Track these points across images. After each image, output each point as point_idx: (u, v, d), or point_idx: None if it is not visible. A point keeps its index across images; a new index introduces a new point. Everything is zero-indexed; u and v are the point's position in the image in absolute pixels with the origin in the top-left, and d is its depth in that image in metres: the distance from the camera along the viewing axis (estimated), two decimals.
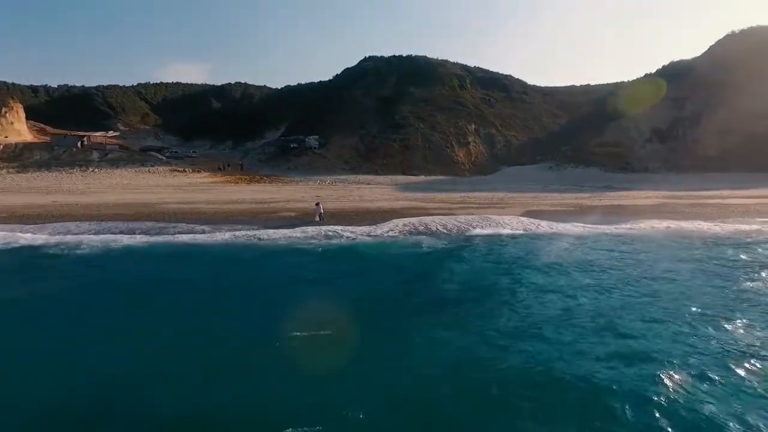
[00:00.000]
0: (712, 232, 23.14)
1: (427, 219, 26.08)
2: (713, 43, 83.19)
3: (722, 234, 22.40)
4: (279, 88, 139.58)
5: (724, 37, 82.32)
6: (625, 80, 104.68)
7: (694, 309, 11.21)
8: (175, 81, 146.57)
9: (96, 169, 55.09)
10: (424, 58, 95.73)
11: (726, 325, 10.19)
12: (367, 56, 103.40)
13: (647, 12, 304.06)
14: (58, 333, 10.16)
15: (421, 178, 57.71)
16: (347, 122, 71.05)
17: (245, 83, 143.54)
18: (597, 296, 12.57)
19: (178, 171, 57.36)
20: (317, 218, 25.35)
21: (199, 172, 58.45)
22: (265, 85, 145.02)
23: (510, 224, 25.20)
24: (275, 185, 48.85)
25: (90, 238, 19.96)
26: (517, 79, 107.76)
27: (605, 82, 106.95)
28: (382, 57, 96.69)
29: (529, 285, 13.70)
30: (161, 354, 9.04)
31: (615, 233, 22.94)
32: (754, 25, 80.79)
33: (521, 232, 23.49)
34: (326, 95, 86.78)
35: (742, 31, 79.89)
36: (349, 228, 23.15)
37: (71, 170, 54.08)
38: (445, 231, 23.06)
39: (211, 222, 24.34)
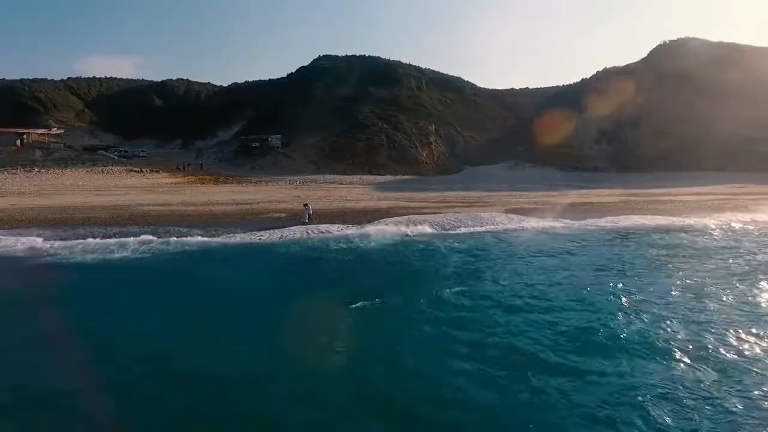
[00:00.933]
0: (684, 224, 25.84)
1: (419, 218, 26.89)
2: (647, 51, 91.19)
3: (698, 227, 25.15)
4: (226, 85, 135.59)
5: (657, 46, 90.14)
6: (564, 84, 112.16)
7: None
8: (109, 76, 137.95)
9: (42, 170, 50.90)
10: (378, 58, 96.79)
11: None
12: (322, 55, 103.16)
13: (585, 19, 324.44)
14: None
15: (389, 177, 58.46)
16: (309, 122, 70.48)
17: (187, 80, 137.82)
18: (635, 286, 13.90)
19: (135, 171, 54.30)
20: (306, 219, 25.22)
21: (157, 172, 55.67)
22: (209, 82, 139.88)
23: (502, 222, 26.53)
24: (246, 186, 47.65)
25: (104, 244, 18.91)
26: (467, 81, 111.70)
27: (545, 86, 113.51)
28: (339, 56, 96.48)
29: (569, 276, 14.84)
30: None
31: (601, 228, 24.98)
32: (683, 36, 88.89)
33: (515, 227, 24.89)
34: (283, 94, 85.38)
35: (672, 42, 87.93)
36: (350, 228, 23.39)
37: (14, 170, 49.64)
38: (443, 230, 23.88)
39: (205, 225, 23.61)
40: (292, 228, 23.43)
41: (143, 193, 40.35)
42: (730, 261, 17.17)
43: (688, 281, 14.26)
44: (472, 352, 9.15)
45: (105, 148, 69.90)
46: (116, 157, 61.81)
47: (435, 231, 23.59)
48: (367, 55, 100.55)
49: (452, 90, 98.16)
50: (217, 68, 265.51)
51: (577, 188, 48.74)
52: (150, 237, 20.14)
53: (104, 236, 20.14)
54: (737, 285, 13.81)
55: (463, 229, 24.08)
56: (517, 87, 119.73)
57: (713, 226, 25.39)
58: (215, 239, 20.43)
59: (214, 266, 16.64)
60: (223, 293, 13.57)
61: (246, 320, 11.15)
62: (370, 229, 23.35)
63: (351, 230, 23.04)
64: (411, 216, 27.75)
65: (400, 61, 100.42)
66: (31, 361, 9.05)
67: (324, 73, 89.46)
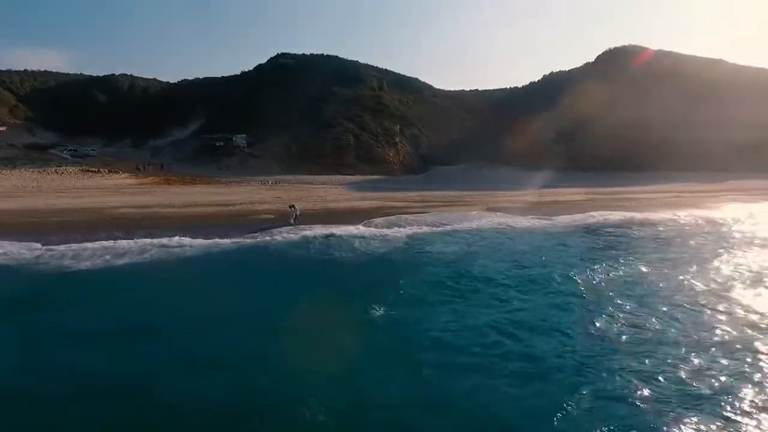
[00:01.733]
0: (652, 219, 28.05)
1: (410, 218, 27.41)
2: (593, 56, 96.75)
3: (664, 220, 27.40)
4: (175, 82, 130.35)
5: (603, 52, 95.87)
6: (513, 86, 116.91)
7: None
8: (43, 69, 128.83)
9: None
10: (339, 58, 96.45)
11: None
12: (280, 53, 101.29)
13: (534, 24, 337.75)
14: None
15: (359, 177, 58.64)
16: (274, 121, 69.29)
17: (131, 75, 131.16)
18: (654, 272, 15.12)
19: (92, 171, 51.21)
20: (293, 220, 24.98)
21: (116, 172, 52.78)
22: (155, 78, 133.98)
23: (491, 221, 27.43)
24: (218, 187, 46.29)
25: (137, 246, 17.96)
26: (424, 82, 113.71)
27: (495, 88, 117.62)
28: (299, 54, 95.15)
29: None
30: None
31: (584, 223, 26.60)
32: (627, 44, 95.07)
33: (506, 225, 25.88)
34: (244, 92, 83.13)
35: (617, 48, 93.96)
36: (344, 228, 23.36)
37: None
38: (439, 228, 24.44)
39: (194, 228, 22.45)
40: (287, 229, 23.10)
41: (110, 194, 38.30)
42: (694, 248, 19.61)
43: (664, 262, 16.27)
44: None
45: (51, 147, 65.35)
46: (69, 157, 57.99)
47: (431, 230, 24.09)
48: (325, 54, 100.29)
49: (411, 91, 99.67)
50: (159, 64, 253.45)
51: (543, 188, 50.96)
52: (148, 241, 19.36)
53: (93, 241, 18.98)
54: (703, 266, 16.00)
55: (457, 226, 24.78)
56: (467, 89, 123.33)
57: (679, 220, 27.68)
58: (213, 242, 19.83)
59: (232, 272, 16.41)
60: (257, 301, 13.29)
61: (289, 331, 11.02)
62: (368, 230, 23.54)
63: (350, 230, 22.97)
64: (400, 216, 28.22)
65: (358, 61, 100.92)
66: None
67: (286, 71, 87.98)
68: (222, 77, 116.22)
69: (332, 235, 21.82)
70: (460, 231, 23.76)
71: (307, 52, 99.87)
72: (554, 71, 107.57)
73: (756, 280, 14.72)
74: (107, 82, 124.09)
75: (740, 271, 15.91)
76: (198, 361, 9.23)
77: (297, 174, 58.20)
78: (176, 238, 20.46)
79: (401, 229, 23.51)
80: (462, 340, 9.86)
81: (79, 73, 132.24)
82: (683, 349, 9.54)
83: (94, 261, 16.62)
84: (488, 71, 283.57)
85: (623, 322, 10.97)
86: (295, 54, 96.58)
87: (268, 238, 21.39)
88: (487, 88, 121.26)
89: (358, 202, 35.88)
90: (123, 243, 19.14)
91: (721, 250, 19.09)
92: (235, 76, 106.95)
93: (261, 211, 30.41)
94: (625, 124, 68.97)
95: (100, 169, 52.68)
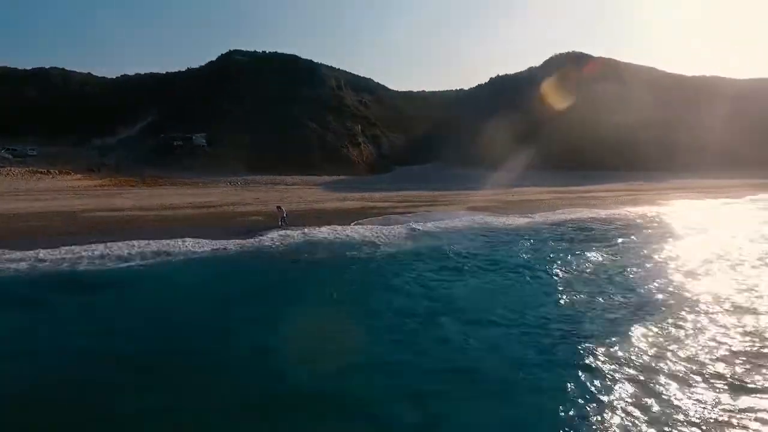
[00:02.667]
0: (617, 215, 30.50)
1: (400, 218, 28.07)
2: (537, 61, 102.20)
3: (633, 216, 29.87)
4: (115, 77, 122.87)
5: (550, 57, 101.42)
6: (459, 88, 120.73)
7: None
8: None
9: None
10: (295, 57, 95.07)
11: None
12: (233, 49, 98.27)
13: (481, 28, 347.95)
14: None
15: (327, 177, 58.59)
16: (233, 120, 67.53)
17: (63, 68, 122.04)
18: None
19: (41, 173, 47.72)
20: (280, 222, 24.41)
21: (68, 173, 49.54)
22: (89, 73, 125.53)
23: (478, 220, 28.48)
24: (190, 188, 44.82)
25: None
26: (378, 82, 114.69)
27: (442, 89, 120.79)
28: (252, 52, 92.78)
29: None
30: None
31: (561, 220, 28.39)
32: (574, 50, 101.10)
33: (494, 224, 26.99)
34: (199, 89, 79.88)
35: (563, 54, 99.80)
36: (340, 229, 23.49)
37: None
38: (435, 228, 25.01)
39: (183, 232, 21.26)
40: (289, 231, 22.73)
41: (75, 197, 36.09)
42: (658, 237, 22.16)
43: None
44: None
45: None
46: (11, 157, 53.54)
47: (426, 229, 24.40)
48: (279, 51, 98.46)
49: (367, 91, 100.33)
50: (90, 57, 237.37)
51: (510, 187, 53.30)
52: (143, 244, 18.45)
53: (83, 245, 18.02)
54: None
55: (450, 224, 25.56)
56: (414, 90, 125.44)
57: (641, 216, 30.24)
58: (218, 245, 19.22)
59: (249, 278, 16.06)
60: (299, 306, 12.93)
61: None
62: (371, 228, 23.81)
63: (346, 232, 22.83)
64: (389, 216, 28.84)
65: (312, 60, 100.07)
66: None
67: (241, 69, 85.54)
68: (168, 73, 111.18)
69: (337, 235, 21.91)
70: (461, 229, 24.55)
71: (258, 50, 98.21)
72: (500, 74, 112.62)
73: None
74: (37, 76, 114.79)
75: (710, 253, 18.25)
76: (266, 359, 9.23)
77: (262, 174, 57.24)
78: (180, 241, 19.80)
79: (398, 227, 23.97)
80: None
81: (4, 66, 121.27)
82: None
83: (102, 265, 15.83)
84: (433, 73, 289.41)
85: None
86: (247, 51, 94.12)
87: (271, 239, 20.96)
88: (434, 90, 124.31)
89: (340, 203, 36.05)
90: (118, 247, 17.95)
91: (684, 238, 21.66)
92: (184, 73, 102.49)
93: (248, 213, 29.86)
94: (577, 126, 73.44)
95: (50, 171, 49.16)
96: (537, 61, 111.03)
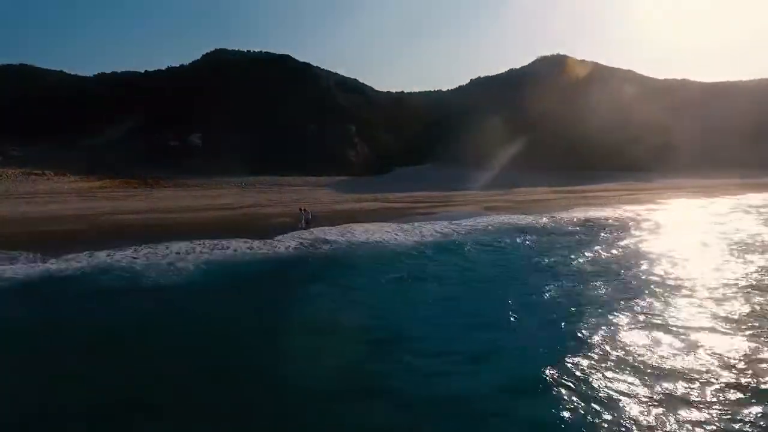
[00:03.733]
0: (629, 214, 31.56)
1: (427, 217, 28.56)
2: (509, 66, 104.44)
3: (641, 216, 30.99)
4: (91, 75, 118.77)
5: (535, 60, 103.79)
6: (438, 89, 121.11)
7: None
8: None
9: None
10: (288, 57, 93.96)
11: None
12: (218, 48, 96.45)
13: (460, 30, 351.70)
14: None
15: (327, 178, 58.48)
16: (229, 120, 66.50)
17: (32, 65, 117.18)
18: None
19: (36, 174, 46.10)
20: (303, 224, 24.04)
21: (64, 175, 47.96)
22: (61, 70, 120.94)
23: (505, 220, 29.19)
24: (198, 190, 44.09)
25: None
26: (363, 83, 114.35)
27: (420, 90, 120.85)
28: (242, 51, 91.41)
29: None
30: None
31: (579, 219, 29.21)
32: (558, 53, 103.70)
33: (528, 224, 27.74)
34: (185, 88, 78.08)
35: (547, 57, 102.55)
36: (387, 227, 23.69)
37: None
38: (479, 227, 25.67)
39: (222, 233, 21.15)
40: (323, 232, 22.47)
41: (84, 200, 35.17)
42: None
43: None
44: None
45: None
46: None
47: (468, 227, 24.79)
48: (264, 50, 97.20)
49: (355, 92, 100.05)
50: (58, 55, 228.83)
51: (509, 187, 54.18)
52: (185, 244, 18.33)
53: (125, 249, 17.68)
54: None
55: (484, 222, 26.19)
56: (393, 90, 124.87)
57: (650, 214, 31.40)
58: (267, 245, 19.30)
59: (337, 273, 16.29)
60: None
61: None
62: (408, 229, 23.99)
63: (386, 231, 22.90)
64: (413, 215, 29.27)
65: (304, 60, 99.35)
66: None
67: (229, 68, 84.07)
68: (148, 72, 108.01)
69: (383, 235, 21.97)
70: (500, 227, 24.83)
71: (242, 50, 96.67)
72: (481, 76, 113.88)
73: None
74: (6, 73, 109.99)
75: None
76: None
77: (262, 175, 56.79)
78: (233, 241, 19.75)
79: (438, 225, 24.33)
80: None
81: None
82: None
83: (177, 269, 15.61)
84: (412, 74, 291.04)
85: None
86: (236, 50, 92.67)
87: (322, 241, 21.01)
88: (411, 91, 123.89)
89: (358, 204, 36.23)
90: (169, 248, 17.74)
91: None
92: (166, 72, 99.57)
93: (274, 215, 29.79)
94: (569, 127, 75.43)
95: (45, 172, 47.53)
96: (521, 63, 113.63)
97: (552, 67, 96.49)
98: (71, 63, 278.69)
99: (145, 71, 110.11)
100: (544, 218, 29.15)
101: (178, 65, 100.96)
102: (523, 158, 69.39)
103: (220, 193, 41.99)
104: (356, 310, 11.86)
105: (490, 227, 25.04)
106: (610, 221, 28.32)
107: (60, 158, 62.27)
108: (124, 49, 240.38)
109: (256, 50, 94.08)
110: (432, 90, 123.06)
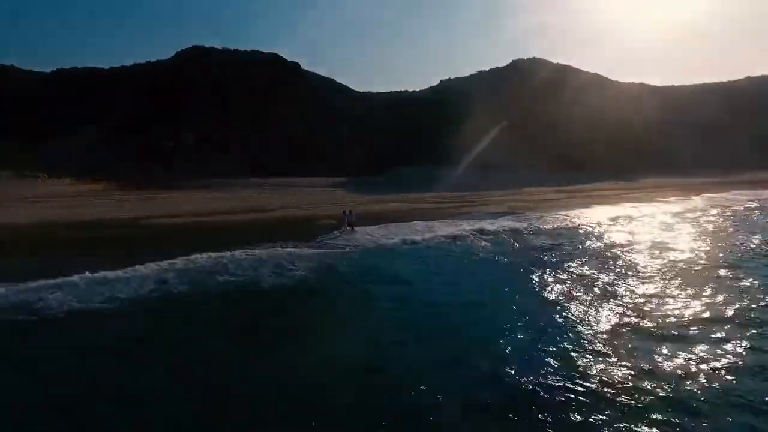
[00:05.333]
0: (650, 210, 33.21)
1: (471, 217, 29.09)
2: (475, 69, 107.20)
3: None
4: (48, 71, 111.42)
5: (509, 63, 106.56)
6: (407, 89, 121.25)
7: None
8: None
9: None
10: (276, 55, 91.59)
11: None
12: (195, 45, 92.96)
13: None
14: None
15: (329, 179, 57.95)
16: (220, 120, 64.65)
17: None
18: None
19: (30, 176, 43.31)
20: (347, 227, 23.29)
21: (58, 177, 45.31)
22: (14, 66, 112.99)
23: (544, 218, 30.13)
24: (214, 191, 42.88)
25: None
26: (341, 83, 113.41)
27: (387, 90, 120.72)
28: (228, 50, 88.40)
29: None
30: None
31: (609, 214, 30.63)
32: (534, 56, 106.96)
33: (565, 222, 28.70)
34: (166, 86, 74.91)
35: (522, 60, 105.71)
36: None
37: None
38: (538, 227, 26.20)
39: (286, 234, 21.23)
40: (388, 230, 22.85)
41: (99, 204, 33.47)
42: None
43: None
44: None
45: None
46: None
47: (536, 227, 25.26)
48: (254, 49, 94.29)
49: (336, 92, 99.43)
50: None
51: (516, 187, 55.15)
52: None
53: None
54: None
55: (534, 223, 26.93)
56: (378, 91, 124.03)
57: (666, 209, 33.23)
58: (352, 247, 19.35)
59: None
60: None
61: None
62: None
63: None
64: (451, 216, 29.78)
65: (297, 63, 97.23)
66: None
67: (211, 66, 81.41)
68: (113, 68, 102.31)
69: (482, 230, 22.38)
70: (558, 227, 25.51)
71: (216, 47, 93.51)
72: (451, 77, 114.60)
73: None
74: None
75: None
76: None
77: (259, 177, 55.68)
78: (295, 243, 19.39)
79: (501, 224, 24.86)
80: None
81: None
82: None
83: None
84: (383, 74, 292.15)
85: None
86: (225, 49, 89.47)
87: (409, 241, 20.95)
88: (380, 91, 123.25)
89: (383, 205, 36.28)
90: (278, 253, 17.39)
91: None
92: (138, 68, 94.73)
93: (315, 217, 29.61)
94: (556, 128, 78.18)
95: (37, 174, 44.72)
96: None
97: (524, 70, 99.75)
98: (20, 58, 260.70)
99: (111, 68, 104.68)
100: (578, 218, 30.30)
101: (154, 60, 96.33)
102: (517, 159, 71.02)
103: (237, 194, 41.02)
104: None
105: (560, 227, 25.24)
106: (638, 216, 29.73)
107: (43, 158, 58.77)
108: (70, 44, 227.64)
109: (245, 49, 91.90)
110: (395, 90, 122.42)
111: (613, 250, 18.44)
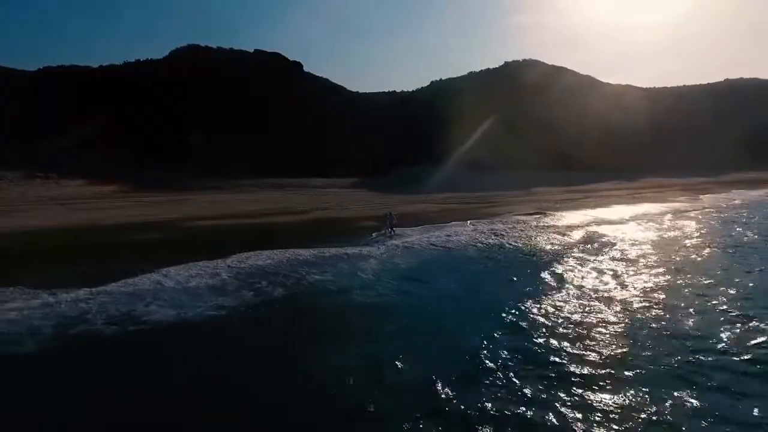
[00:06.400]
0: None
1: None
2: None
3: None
4: (32, 70, 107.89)
5: (502, 65, 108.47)
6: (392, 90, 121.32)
7: None
8: None
9: None
10: (278, 55, 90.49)
11: None
12: (189, 44, 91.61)
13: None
14: None
15: (341, 180, 57.79)
16: (223, 119, 63.70)
17: None
18: None
19: (39, 177, 41.99)
20: (389, 228, 23.10)
21: (67, 178, 44.04)
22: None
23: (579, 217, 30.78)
24: (233, 192, 42.26)
25: None
26: (337, 83, 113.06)
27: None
28: (222, 49, 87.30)
29: None
30: None
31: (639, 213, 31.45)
32: (526, 58, 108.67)
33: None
34: (163, 86, 73.15)
35: (515, 61, 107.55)
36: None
37: None
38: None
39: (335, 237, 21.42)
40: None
41: (128, 206, 32.64)
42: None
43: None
44: None
45: None
46: None
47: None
48: (253, 49, 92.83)
49: (332, 92, 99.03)
50: None
51: (525, 188, 55.85)
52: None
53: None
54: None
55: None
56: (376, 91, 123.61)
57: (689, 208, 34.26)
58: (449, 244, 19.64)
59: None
60: None
61: None
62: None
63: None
64: (492, 216, 30.21)
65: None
66: None
67: (206, 67, 79.87)
68: (103, 66, 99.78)
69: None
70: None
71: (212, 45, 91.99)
72: (443, 78, 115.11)
73: None
74: None
75: None
76: None
77: (279, 178, 55.25)
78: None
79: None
80: None
81: None
82: None
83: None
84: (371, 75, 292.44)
85: None
86: (222, 48, 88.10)
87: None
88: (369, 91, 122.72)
89: (413, 206, 36.24)
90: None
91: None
92: (129, 67, 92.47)
93: (351, 219, 29.63)
94: (560, 129, 79.64)
95: (48, 175, 43.38)
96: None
97: (516, 71, 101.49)
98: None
99: (101, 66, 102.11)
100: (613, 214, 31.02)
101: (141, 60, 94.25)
102: (520, 160, 71.81)
103: (257, 197, 40.59)
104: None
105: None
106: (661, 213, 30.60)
107: (39, 159, 56.99)
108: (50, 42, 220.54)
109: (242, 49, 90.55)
110: (381, 91, 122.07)
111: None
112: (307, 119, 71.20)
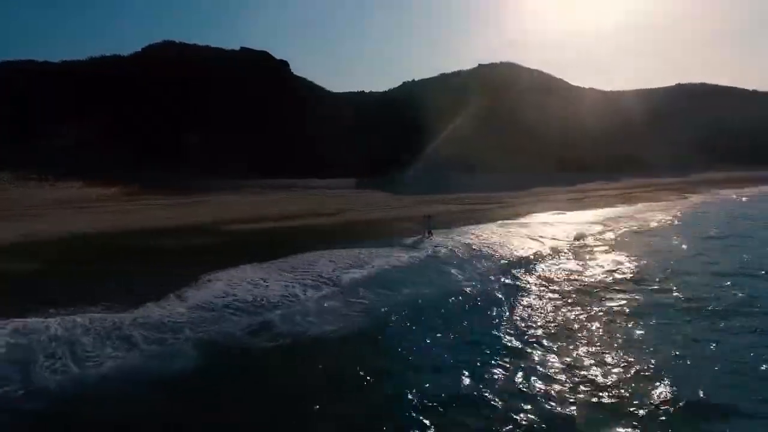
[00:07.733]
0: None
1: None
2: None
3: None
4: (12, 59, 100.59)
5: (479, 65, 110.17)
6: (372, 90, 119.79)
7: None
8: None
9: None
10: (266, 53, 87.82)
11: None
12: (166, 40, 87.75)
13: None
14: None
15: (345, 180, 57.18)
16: (220, 119, 61.81)
17: None
18: None
19: (38, 179, 39.62)
20: (427, 233, 23.43)
21: (67, 180, 41.73)
22: None
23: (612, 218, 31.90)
24: (254, 194, 41.12)
25: None
26: (314, 82, 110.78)
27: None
28: (195, 45, 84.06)
29: None
30: None
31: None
32: (502, 60, 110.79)
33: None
34: (149, 83, 70.04)
35: (492, 63, 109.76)
36: None
37: None
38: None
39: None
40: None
41: (148, 209, 31.30)
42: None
43: None
44: None
45: None
46: None
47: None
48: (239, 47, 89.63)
49: (317, 91, 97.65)
50: None
51: (527, 188, 56.63)
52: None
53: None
54: None
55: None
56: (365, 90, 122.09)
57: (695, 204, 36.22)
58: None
59: None
60: None
61: None
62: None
63: None
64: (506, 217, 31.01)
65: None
66: None
67: (189, 64, 77.04)
68: (86, 60, 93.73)
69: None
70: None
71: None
72: (416, 79, 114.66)
73: None
74: None
75: None
76: None
77: (270, 179, 54.01)
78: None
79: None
80: None
81: None
82: None
83: None
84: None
85: None
86: (199, 45, 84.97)
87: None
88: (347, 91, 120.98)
89: (429, 207, 36.23)
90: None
91: None
92: (112, 61, 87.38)
93: (382, 221, 29.64)
94: (556, 130, 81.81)
95: (47, 176, 40.95)
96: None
97: (494, 73, 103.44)
98: None
99: (82, 59, 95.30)
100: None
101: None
102: (514, 162, 72.81)
103: (274, 198, 39.62)
104: None
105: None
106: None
107: (36, 159, 53.28)
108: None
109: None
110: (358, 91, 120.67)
111: None
112: (301, 119, 70.00)
